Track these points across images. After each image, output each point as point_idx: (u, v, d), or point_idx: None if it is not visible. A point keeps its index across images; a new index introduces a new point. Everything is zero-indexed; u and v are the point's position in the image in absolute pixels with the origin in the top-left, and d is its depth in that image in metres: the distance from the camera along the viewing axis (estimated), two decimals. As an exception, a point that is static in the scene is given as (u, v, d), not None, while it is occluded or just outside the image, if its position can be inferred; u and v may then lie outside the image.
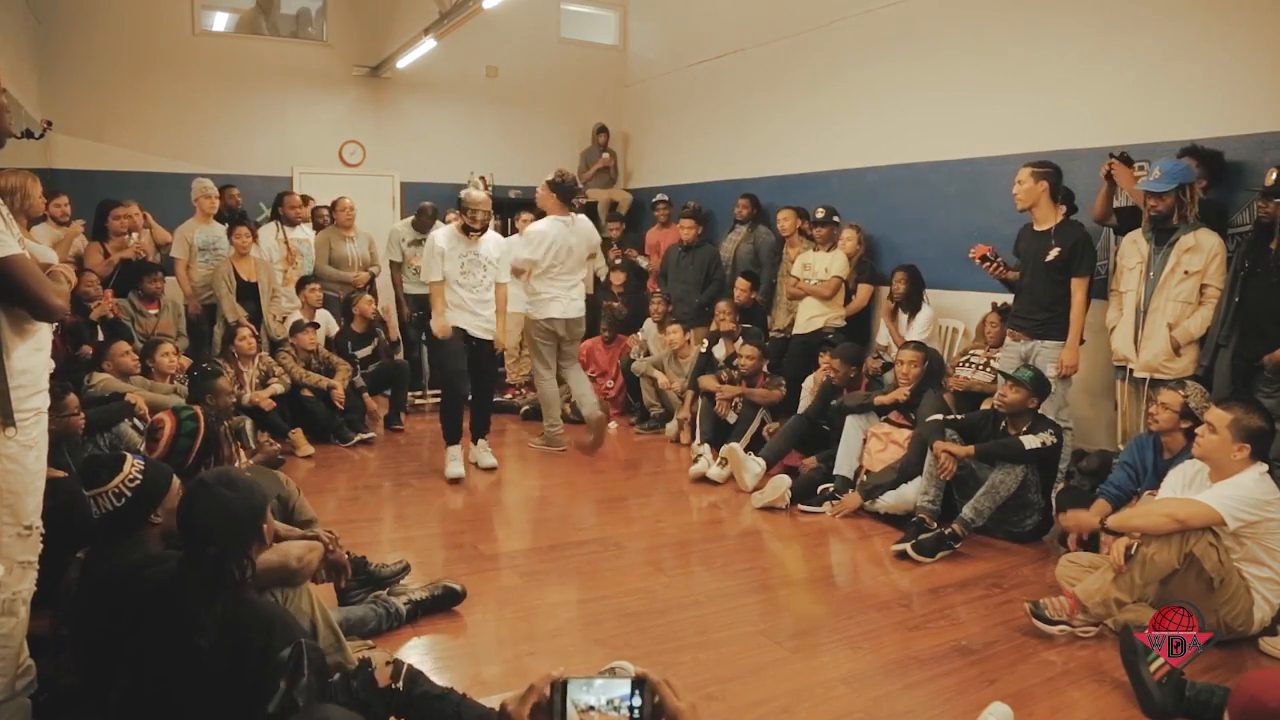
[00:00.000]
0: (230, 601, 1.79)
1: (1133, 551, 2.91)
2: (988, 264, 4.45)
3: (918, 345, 4.70)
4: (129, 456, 2.26)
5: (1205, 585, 2.84)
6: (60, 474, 2.81)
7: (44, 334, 2.12)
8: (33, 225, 5.13)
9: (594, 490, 4.79)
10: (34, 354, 2.07)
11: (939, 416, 4.17)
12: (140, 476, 2.20)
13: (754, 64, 7.58)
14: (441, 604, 3.10)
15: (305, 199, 7.02)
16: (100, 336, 5.01)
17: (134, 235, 5.89)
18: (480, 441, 5.13)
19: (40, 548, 2.14)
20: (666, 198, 7.84)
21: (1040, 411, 3.95)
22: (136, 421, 3.86)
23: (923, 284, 5.46)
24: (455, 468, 4.84)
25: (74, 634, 2.19)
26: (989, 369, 4.75)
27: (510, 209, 8.47)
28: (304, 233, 6.63)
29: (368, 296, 6.33)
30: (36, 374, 2.08)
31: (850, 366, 4.90)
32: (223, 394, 4.13)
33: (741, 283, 6.35)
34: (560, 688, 1.19)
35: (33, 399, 2.06)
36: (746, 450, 4.92)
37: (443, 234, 4.94)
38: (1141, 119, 4.52)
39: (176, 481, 2.35)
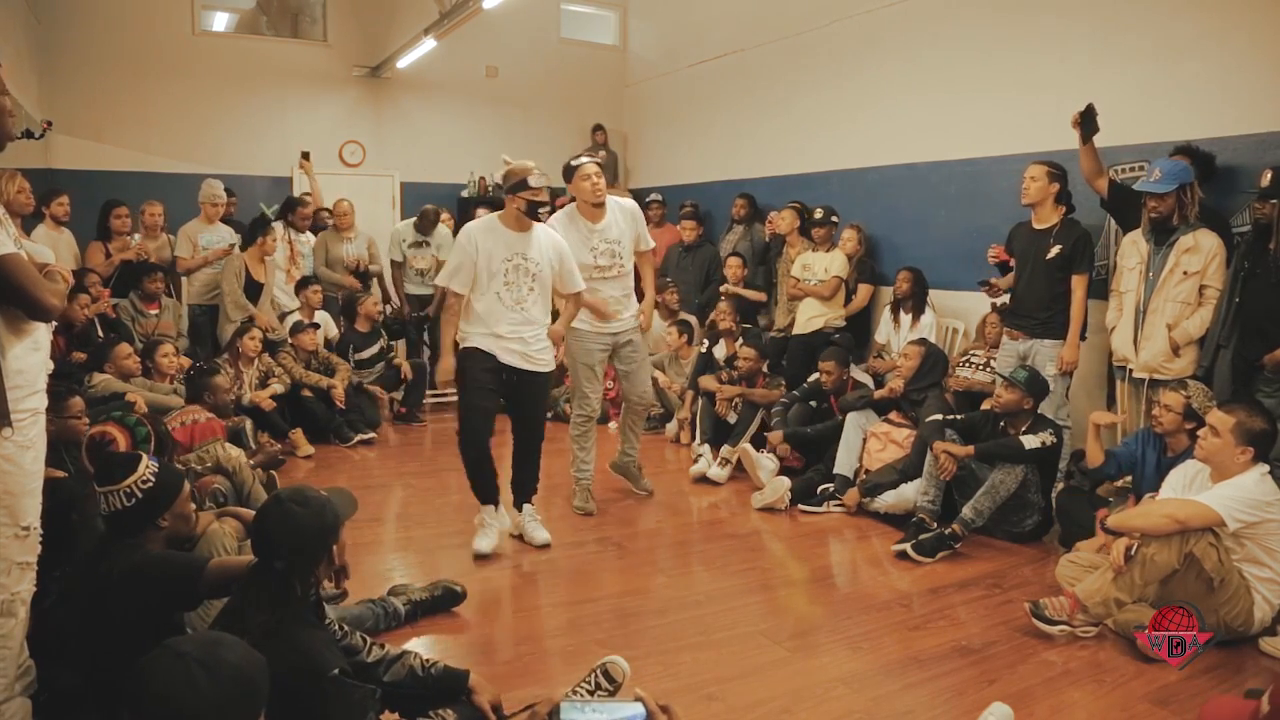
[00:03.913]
0: (282, 618, 1.79)
1: (1133, 552, 2.90)
2: (986, 288, 4.63)
3: (921, 341, 4.70)
4: (144, 457, 2.25)
5: (1205, 585, 2.84)
6: (60, 474, 2.81)
7: (41, 334, 2.12)
8: (34, 227, 5.16)
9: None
10: (31, 354, 2.07)
11: (939, 416, 4.17)
12: (153, 479, 2.20)
13: (754, 64, 7.58)
14: (441, 605, 3.09)
15: (317, 211, 6.97)
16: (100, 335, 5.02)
17: (136, 236, 5.90)
18: (526, 508, 3.87)
19: (39, 549, 2.14)
20: (660, 198, 7.85)
21: (1040, 411, 3.96)
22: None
23: (926, 288, 5.47)
24: (483, 539, 3.66)
25: (77, 633, 2.19)
26: (989, 369, 4.75)
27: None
28: (306, 235, 6.65)
29: (372, 296, 6.33)
30: (33, 374, 2.07)
31: (842, 370, 4.91)
32: (219, 392, 4.12)
33: (733, 261, 6.46)
34: (555, 711, 1.15)
35: (30, 399, 2.06)
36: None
37: (481, 226, 3.68)
38: (1141, 119, 4.52)
39: (187, 487, 2.35)
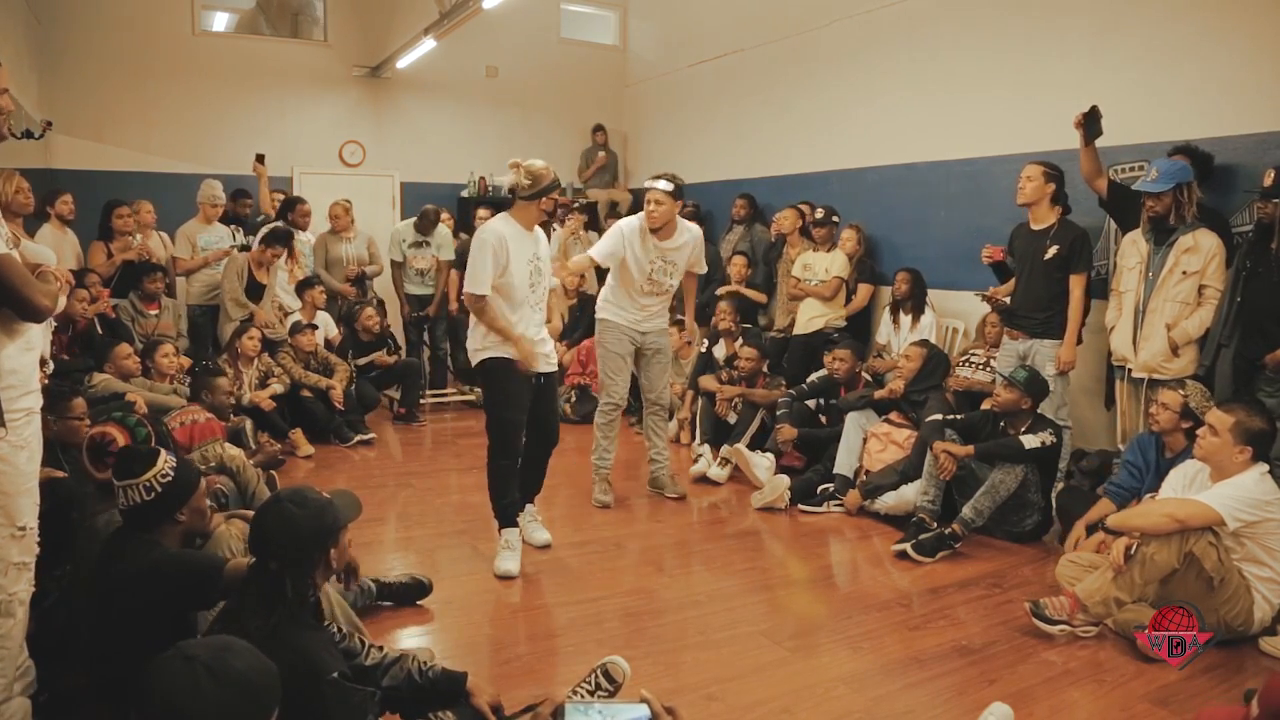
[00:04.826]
0: (279, 619, 1.79)
1: (1132, 551, 2.90)
2: (986, 299, 4.61)
3: (923, 342, 4.70)
4: (163, 452, 2.26)
5: (1205, 585, 2.84)
6: (59, 474, 2.81)
7: (34, 334, 2.11)
8: (36, 227, 5.17)
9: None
10: (24, 354, 2.06)
11: (939, 416, 4.17)
12: (172, 473, 2.20)
13: (754, 64, 7.58)
14: (409, 593, 3.16)
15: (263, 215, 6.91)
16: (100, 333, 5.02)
17: (138, 236, 5.91)
18: (528, 508, 3.82)
19: (36, 549, 2.14)
20: None
21: (1040, 411, 3.96)
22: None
23: (925, 289, 5.47)
24: (507, 560, 3.50)
25: (88, 629, 2.19)
26: (989, 369, 4.75)
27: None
28: (305, 235, 6.66)
29: (369, 310, 6.32)
30: (26, 374, 2.07)
31: (857, 361, 4.91)
32: (220, 393, 4.12)
33: (737, 260, 6.46)
34: (559, 712, 1.16)
35: (23, 399, 2.05)
36: (747, 449, 4.92)
37: (506, 229, 3.45)
38: (1141, 119, 4.52)
39: (204, 483, 2.35)
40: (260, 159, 6.75)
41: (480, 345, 3.55)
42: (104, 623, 2.09)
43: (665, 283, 4.29)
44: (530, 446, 3.67)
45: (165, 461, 2.21)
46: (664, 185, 4.13)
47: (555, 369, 3.72)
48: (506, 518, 3.60)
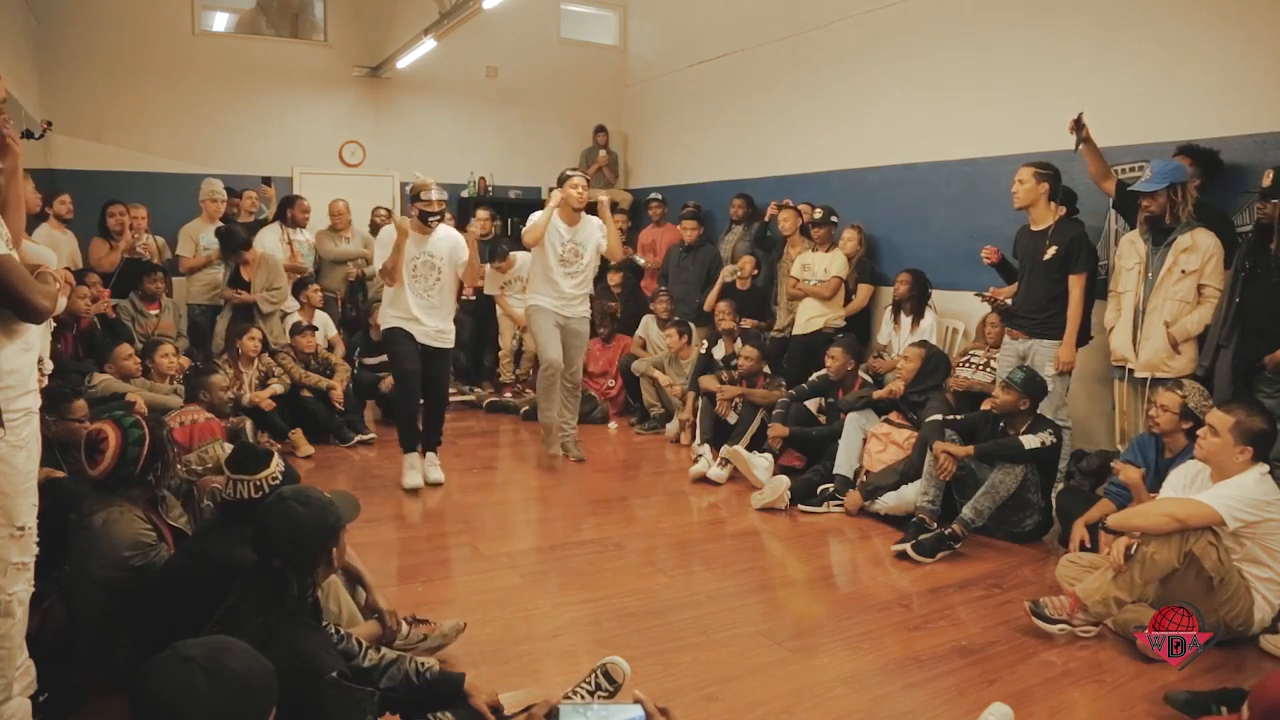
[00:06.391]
0: (279, 619, 1.79)
1: (1133, 551, 2.90)
2: (985, 299, 4.66)
3: (922, 343, 4.70)
4: (275, 455, 2.34)
5: (1205, 585, 2.84)
6: (59, 474, 2.80)
7: (32, 334, 2.11)
8: (35, 227, 5.16)
9: (594, 490, 4.78)
10: (22, 354, 2.06)
11: (938, 417, 4.16)
12: (281, 478, 2.28)
13: (754, 64, 7.58)
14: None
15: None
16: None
17: (145, 235, 5.93)
18: (429, 455, 4.73)
19: (35, 549, 2.13)
20: (660, 196, 7.86)
21: (1039, 412, 3.95)
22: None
23: (927, 290, 5.46)
24: (413, 477, 4.57)
25: (152, 615, 2.22)
26: (989, 369, 4.75)
27: (512, 210, 8.49)
28: (305, 234, 6.66)
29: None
30: (24, 374, 2.07)
31: (850, 359, 4.90)
32: (215, 390, 4.10)
33: (746, 260, 6.42)
34: (554, 713, 1.17)
35: (22, 399, 2.05)
36: (747, 450, 4.91)
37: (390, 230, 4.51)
38: (1141, 119, 4.52)
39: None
40: (267, 181, 6.79)
41: (381, 320, 4.66)
42: (176, 608, 2.08)
43: (575, 263, 4.96)
44: (426, 403, 4.72)
45: (276, 465, 2.30)
46: (581, 175, 4.97)
47: (444, 345, 4.62)
48: (407, 445, 4.63)
